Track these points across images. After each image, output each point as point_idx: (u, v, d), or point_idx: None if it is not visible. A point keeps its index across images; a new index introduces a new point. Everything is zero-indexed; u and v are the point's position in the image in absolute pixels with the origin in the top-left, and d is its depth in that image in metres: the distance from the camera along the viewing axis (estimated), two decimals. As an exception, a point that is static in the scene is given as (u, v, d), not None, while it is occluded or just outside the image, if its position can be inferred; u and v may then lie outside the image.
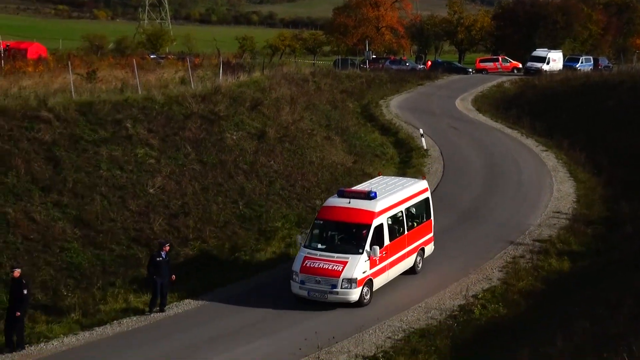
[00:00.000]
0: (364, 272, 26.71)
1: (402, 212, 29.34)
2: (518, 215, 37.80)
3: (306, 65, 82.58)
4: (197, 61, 66.73)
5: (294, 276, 27.11)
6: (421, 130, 53.62)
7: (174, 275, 27.07)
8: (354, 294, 26.54)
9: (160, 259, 26.60)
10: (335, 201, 28.76)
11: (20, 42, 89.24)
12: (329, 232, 28.52)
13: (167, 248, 27.10)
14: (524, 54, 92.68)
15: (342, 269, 26.52)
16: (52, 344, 24.25)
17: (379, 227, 27.70)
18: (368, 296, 27.13)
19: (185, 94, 41.81)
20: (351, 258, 26.77)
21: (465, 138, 54.74)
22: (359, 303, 26.76)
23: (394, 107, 65.67)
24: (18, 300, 23.63)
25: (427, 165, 47.29)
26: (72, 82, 40.10)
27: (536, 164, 47.81)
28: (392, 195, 29.33)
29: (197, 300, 27.81)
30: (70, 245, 29.30)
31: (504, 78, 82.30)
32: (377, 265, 27.39)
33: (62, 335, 24.78)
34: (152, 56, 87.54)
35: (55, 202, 30.83)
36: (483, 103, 69.51)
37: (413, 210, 30.56)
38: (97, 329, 25.36)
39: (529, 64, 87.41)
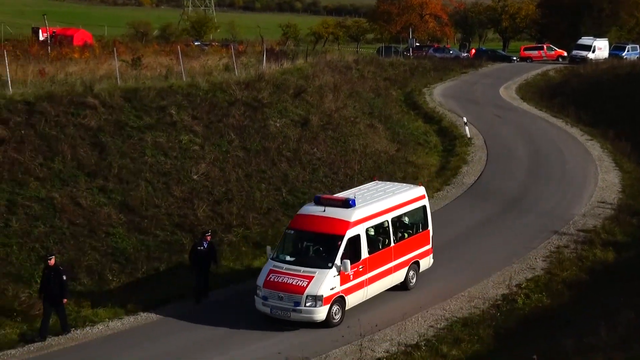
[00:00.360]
0: (332, 289, 24.12)
1: (388, 221, 26.57)
2: (562, 204, 37.52)
3: (349, 52, 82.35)
4: (241, 48, 67.03)
5: (257, 291, 24.81)
6: (465, 119, 53.32)
7: (216, 264, 27.28)
8: (320, 313, 24.00)
9: (202, 248, 26.67)
10: (310, 209, 26.26)
11: (66, 28, 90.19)
12: (301, 244, 25.92)
13: (209, 237, 27.16)
14: (569, 42, 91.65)
15: (307, 285, 24.00)
16: (98, 328, 24.58)
17: (355, 239, 25.00)
18: (338, 315, 24.55)
19: (229, 81, 41.97)
20: (318, 273, 24.20)
21: (509, 126, 54.32)
22: (326, 323, 24.24)
23: (438, 95, 65.27)
24: (59, 288, 23.81)
25: (470, 154, 47.03)
26: (117, 69, 40.41)
27: (581, 153, 47.37)
28: (376, 202, 26.60)
29: (240, 286, 27.92)
30: (115, 230, 29.61)
31: (549, 66, 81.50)
32: (350, 280, 24.72)
33: (107, 320, 25.07)
34: (196, 43, 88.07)
35: (101, 188, 31.14)
36: (527, 91, 68.86)
37: (405, 219, 27.90)
38: (141, 314, 25.62)
39: (574, 52, 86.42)
